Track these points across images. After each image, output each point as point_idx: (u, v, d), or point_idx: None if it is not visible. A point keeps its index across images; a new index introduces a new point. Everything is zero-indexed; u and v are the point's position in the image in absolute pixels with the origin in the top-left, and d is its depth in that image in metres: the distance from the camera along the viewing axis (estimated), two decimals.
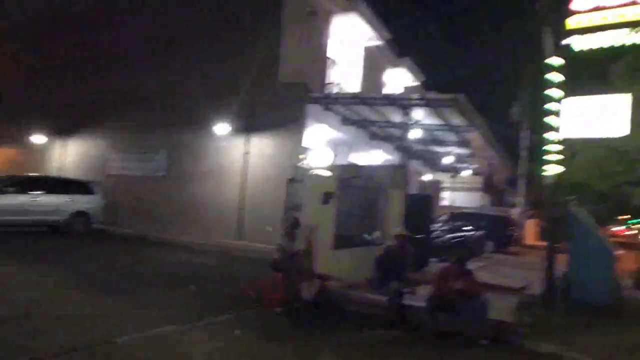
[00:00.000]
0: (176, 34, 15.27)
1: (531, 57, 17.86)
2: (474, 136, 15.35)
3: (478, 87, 29.40)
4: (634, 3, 6.89)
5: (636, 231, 34.29)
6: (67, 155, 18.16)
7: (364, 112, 13.87)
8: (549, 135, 7.29)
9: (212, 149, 13.96)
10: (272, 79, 13.20)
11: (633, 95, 7.16)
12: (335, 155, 15.36)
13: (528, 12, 13.92)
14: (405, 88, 21.61)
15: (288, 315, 5.69)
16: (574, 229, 7.65)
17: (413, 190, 16.66)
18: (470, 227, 13.76)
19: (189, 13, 15.24)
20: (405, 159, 14.25)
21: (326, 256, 6.73)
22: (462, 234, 13.08)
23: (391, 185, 8.73)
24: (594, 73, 11.89)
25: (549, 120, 7.25)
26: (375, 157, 17.43)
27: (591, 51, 7.18)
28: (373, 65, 18.81)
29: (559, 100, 7.21)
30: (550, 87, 7.23)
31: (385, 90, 19.91)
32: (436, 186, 20.67)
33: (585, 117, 7.33)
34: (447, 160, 21.21)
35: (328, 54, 15.83)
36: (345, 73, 17.04)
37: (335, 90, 15.46)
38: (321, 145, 14.65)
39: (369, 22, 16.20)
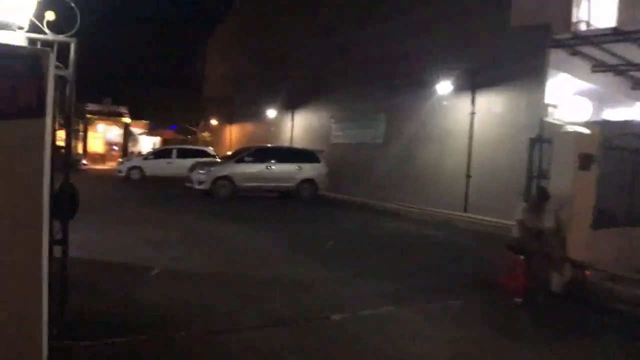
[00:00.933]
0: None
1: None
2: None
3: None
4: None
5: None
6: (295, 126, 20.36)
7: (625, 53, 11.03)
8: None
9: (433, 111, 13.32)
10: (502, 23, 11.64)
11: None
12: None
13: None
14: None
15: (530, 309, 4.81)
16: None
17: None
18: None
19: None
20: None
21: (583, 238, 5.47)
22: None
23: None
24: None
25: None
26: None
27: None
28: None
29: None
30: None
31: None
32: None
33: None
34: None
35: None
36: (594, 6, 13.87)
37: (584, 28, 12.75)
38: (569, 98, 12.35)
39: None
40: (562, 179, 5.22)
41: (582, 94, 12.65)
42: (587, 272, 5.32)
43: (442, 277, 5.93)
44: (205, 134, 27.69)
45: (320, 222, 10.34)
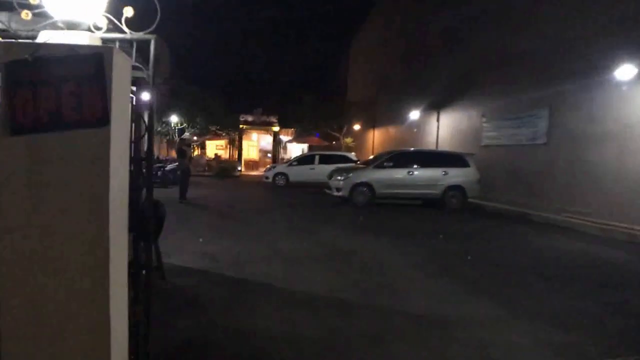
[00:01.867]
0: None
1: None
2: None
3: None
4: None
5: None
6: (440, 128, 19.00)
7: None
8: None
9: (610, 102, 10.91)
10: None
11: None
12: None
13: None
14: None
15: None
16: None
17: None
18: None
19: None
20: None
21: None
22: None
23: None
24: None
25: None
26: None
27: None
28: None
29: None
30: None
31: None
32: None
33: None
34: None
35: None
36: None
37: None
38: None
39: None
40: None
41: None
42: None
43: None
44: (348, 139, 27.72)
45: (470, 238, 9.07)
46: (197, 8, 53.73)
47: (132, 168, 2.65)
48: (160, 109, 25.20)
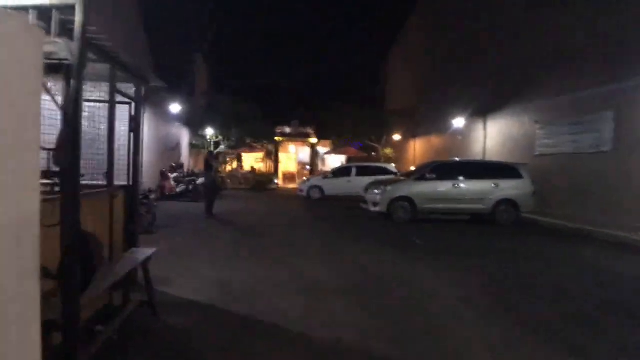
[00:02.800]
0: None
1: None
2: None
3: None
4: None
5: None
6: (487, 136, 17.62)
7: None
8: None
9: None
10: None
11: None
12: None
13: None
14: None
15: None
16: None
17: None
18: None
19: None
20: None
21: None
22: None
23: None
24: None
25: None
26: None
27: None
28: None
29: None
30: None
31: None
32: None
33: None
34: None
35: None
36: None
37: None
38: None
39: None
40: None
41: None
42: None
43: None
44: (388, 150, 26.58)
45: (529, 261, 7.82)
46: (232, 21, 54.39)
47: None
48: (196, 122, 25.00)
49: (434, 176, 12.23)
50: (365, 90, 36.59)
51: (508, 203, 12.24)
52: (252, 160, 35.68)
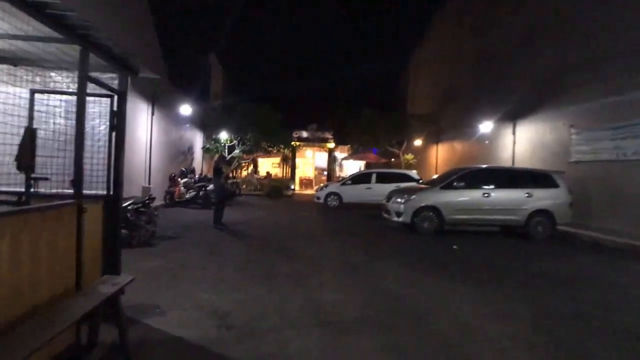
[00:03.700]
0: None
1: None
2: None
3: None
4: None
5: None
6: (516, 142, 16.45)
7: None
8: None
9: None
10: None
11: None
12: None
13: None
14: None
15: None
16: None
17: None
18: None
19: None
20: None
21: None
22: None
23: None
24: None
25: None
26: None
27: None
28: None
29: None
30: None
31: None
32: None
33: None
34: None
35: None
36: None
37: None
38: None
39: None
40: None
41: None
42: None
43: None
44: (409, 156, 25.45)
45: (582, 284, 6.75)
46: (249, 23, 53.96)
47: None
48: (210, 125, 24.31)
49: (463, 184, 11.17)
50: (386, 94, 35.64)
51: (543, 214, 11.13)
52: (269, 165, 34.90)
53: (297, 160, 35.30)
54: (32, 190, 4.07)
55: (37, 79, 4.55)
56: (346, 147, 34.25)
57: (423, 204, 11.06)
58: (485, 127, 17.41)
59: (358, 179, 18.71)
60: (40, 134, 4.20)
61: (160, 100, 15.74)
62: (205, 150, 23.11)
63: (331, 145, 34.13)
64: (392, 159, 28.19)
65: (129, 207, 7.88)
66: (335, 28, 57.38)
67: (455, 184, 11.17)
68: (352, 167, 36.10)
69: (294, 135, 32.38)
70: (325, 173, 35.81)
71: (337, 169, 36.99)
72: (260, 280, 6.05)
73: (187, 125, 19.39)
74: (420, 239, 10.40)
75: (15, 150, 3.84)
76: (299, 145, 33.49)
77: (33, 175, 4.08)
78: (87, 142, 4.32)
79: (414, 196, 11.24)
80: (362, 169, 33.93)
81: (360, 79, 40.72)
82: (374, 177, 18.23)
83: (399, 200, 11.38)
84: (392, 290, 5.82)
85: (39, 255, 2.96)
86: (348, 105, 29.19)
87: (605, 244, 10.64)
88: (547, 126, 14.68)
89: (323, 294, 5.54)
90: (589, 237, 11.36)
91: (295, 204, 20.60)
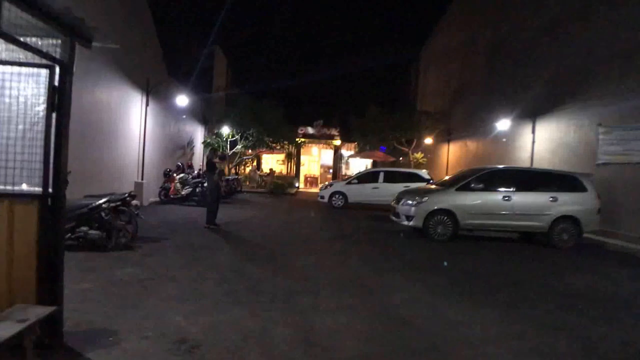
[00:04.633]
0: None
1: None
2: None
3: None
4: None
5: None
6: (535, 141, 15.37)
7: None
8: None
9: None
10: None
11: None
12: None
13: None
14: None
15: None
16: None
17: None
18: None
19: None
20: None
21: None
22: None
23: None
24: None
25: None
26: None
27: None
28: None
29: None
30: None
31: None
32: None
33: None
34: None
35: None
36: None
37: None
38: None
39: None
40: None
41: None
42: None
43: None
44: (418, 155, 24.38)
45: (616, 304, 5.76)
46: (254, 15, 52.97)
47: None
48: (212, 119, 23.39)
49: (481, 186, 10.15)
50: (395, 91, 34.53)
51: (568, 221, 10.08)
52: (274, 162, 33.98)
53: (302, 158, 34.36)
54: None
55: None
56: (353, 145, 33.25)
57: (436, 207, 10.04)
58: (502, 125, 16.32)
59: (365, 177, 17.70)
60: None
61: (156, 91, 14.83)
62: (206, 144, 22.20)
63: (337, 142, 33.14)
64: (401, 158, 27.14)
65: (104, 206, 6.95)
66: (342, 21, 56.20)
67: (472, 185, 10.15)
68: (358, 165, 35.10)
69: (299, 131, 31.42)
70: (331, 171, 34.83)
71: (343, 166, 35.99)
72: (244, 298, 5.09)
73: (184, 116, 18.38)
74: (432, 246, 9.40)
75: None
76: (304, 141, 32.50)
77: None
78: (20, 127, 3.38)
79: (426, 198, 10.22)
80: (369, 167, 32.94)
81: (368, 74, 39.59)
82: (381, 176, 17.21)
83: (409, 202, 10.36)
84: (402, 315, 4.83)
85: None
86: (356, 101, 28.26)
87: (637, 255, 9.62)
88: (570, 124, 13.60)
89: (318, 318, 4.58)
90: (619, 247, 10.35)
91: (297, 203, 19.65)
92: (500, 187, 10.26)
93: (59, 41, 3.48)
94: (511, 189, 10.22)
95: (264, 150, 26.48)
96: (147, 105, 14.36)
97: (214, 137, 22.56)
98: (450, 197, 10.17)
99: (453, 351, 3.92)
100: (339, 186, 17.71)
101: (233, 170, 24.45)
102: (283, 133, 24.63)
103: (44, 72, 3.40)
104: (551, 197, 10.10)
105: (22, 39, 3.10)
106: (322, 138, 33.04)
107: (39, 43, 3.35)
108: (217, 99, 25.57)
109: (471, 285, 6.30)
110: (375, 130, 24.14)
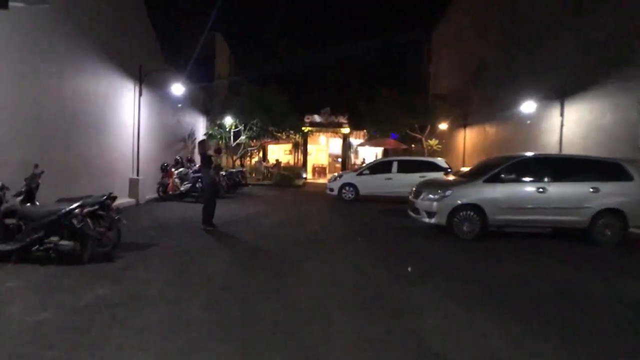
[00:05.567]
0: None
1: None
2: None
3: None
4: None
5: None
6: (565, 123, 14.10)
7: None
8: None
9: None
10: None
11: None
12: None
13: None
14: None
15: None
16: None
17: None
18: None
19: None
20: None
21: None
22: None
23: None
24: None
25: None
26: None
27: None
28: None
29: None
30: None
31: None
32: None
33: None
34: None
35: None
36: None
37: None
38: None
39: None
40: None
41: None
42: None
43: None
44: (432, 142, 23.16)
45: None
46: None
47: None
48: (214, 110, 22.31)
49: (512, 176, 9.00)
50: (406, 74, 33.15)
51: (612, 214, 8.90)
52: (280, 153, 32.91)
53: (310, 147, 33.22)
54: None
55: None
56: (362, 133, 32.04)
57: (462, 202, 8.91)
58: (526, 107, 15.03)
59: (377, 168, 16.56)
60: None
61: (151, 79, 13.77)
62: (209, 136, 21.18)
63: (346, 130, 31.93)
64: (413, 145, 25.95)
65: (76, 212, 5.94)
66: (349, 1, 54.42)
67: (503, 176, 8.98)
68: (368, 153, 33.93)
69: (306, 119, 30.26)
70: (340, 160, 33.69)
71: (352, 155, 34.85)
72: (237, 329, 4.06)
73: (180, 105, 17.24)
74: (459, 247, 8.30)
75: None
76: (311, 130, 31.31)
77: None
78: None
79: (449, 192, 9.08)
80: (379, 156, 31.74)
81: (377, 58, 38.16)
82: (395, 165, 16.06)
83: (430, 196, 9.22)
84: (437, 352, 3.76)
85: None
86: (364, 86, 27.02)
87: None
88: (605, 104, 12.34)
89: (326, 352, 3.54)
90: None
91: (305, 196, 18.60)
92: (534, 177, 9.09)
93: None
94: (546, 180, 9.06)
95: (269, 140, 25.41)
96: (140, 94, 13.31)
97: (217, 128, 21.52)
98: (477, 190, 9.03)
99: None
100: (349, 177, 16.59)
101: (238, 162, 23.46)
102: (289, 122, 23.54)
103: None
104: (592, 188, 8.91)
105: None
106: (329, 126, 31.84)
107: None
108: (219, 88, 24.47)
109: (513, 297, 5.23)
110: (387, 116, 22.91)
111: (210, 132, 21.37)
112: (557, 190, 8.97)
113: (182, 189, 14.17)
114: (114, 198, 6.74)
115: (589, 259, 7.73)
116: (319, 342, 3.83)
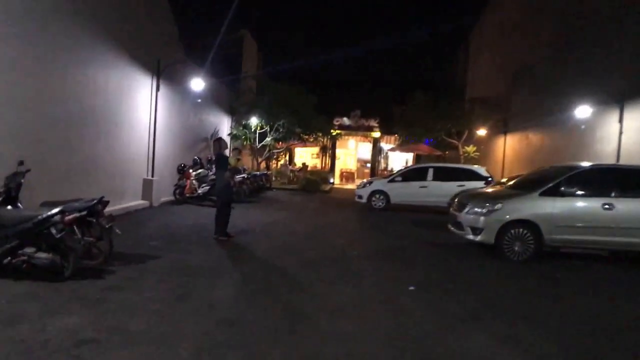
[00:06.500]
0: None
1: None
2: None
3: None
4: None
5: None
6: (624, 131, 12.55)
7: None
8: None
9: None
10: None
11: None
12: None
13: None
14: None
15: None
16: None
17: None
18: None
19: None
20: None
21: None
22: None
23: None
24: None
25: None
26: None
27: None
28: None
29: None
30: None
31: None
32: None
33: None
34: None
35: None
36: None
37: None
38: None
39: None
40: None
41: None
42: None
43: None
44: (470, 148, 21.71)
45: None
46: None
47: None
48: (240, 109, 21.43)
49: (574, 189, 7.68)
50: (441, 77, 31.66)
51: None
52: (308, 156, 31.92)
53: (338, 151, 32.13)
54: None
55: None
56: (393, 137, 30.72)
57: (514, 217, 7.64)
58: (581, 112, 13.53)
59: (410, 175, 15.31)
60: None
61: (170, 74, 12.97)
62: (233, 136, 20.34)
63: (376, 134, 30.68)
64: (447, 152, 24.53)
65: (55, 218, 5.00)
66: (382, 5, 53.20)
67: (563, 189, 7.67)
68: (399, 159, 32.59)
69: (335, 122, 29.19)
70: (369, 165, 32.46)
71: (382, 161, 33.57)
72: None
73: (199, 100, 16.32)
74: (512, 271, 7.04)
75: None
76: (340, 134, 30.18)
77: None
78: None
79: (499, 205, 7.80)
80: (410, 162, 30.38)
81: (411, 60, 36.79)
82: (430, 172, 14.77)
83: (477, 210, 7.96)
84: None
85: None
86: (397, 89, 25.73)
87: None
88: None
89: None
90: None
91: (332, 202, 17.51)
92: (598, 192, 7.74)
93: None
94: (612, 194, 7.70)
95: (296, 143, 24.44)
96: (157, 89, 12.49)
97: (241, 128, 20.66)
98: (532, 204, 7.73)
99: None
100: (380, 184, 15.38)
101: (263, 165, 22.57)
102: (317, 124, 22.50)
103: None
104: None
105: None
106: (359, 130, 30.67)
107: None
108: (246, 88, 23.61)
109: (592, 349, 3.99)
110: (421, 120, 21.58)
111: (234, 132, 20.52)
112: (628, 207, 7.58)
113: (199, 191, 13.29)
114: (106, 203, 5.80)
115: None
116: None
